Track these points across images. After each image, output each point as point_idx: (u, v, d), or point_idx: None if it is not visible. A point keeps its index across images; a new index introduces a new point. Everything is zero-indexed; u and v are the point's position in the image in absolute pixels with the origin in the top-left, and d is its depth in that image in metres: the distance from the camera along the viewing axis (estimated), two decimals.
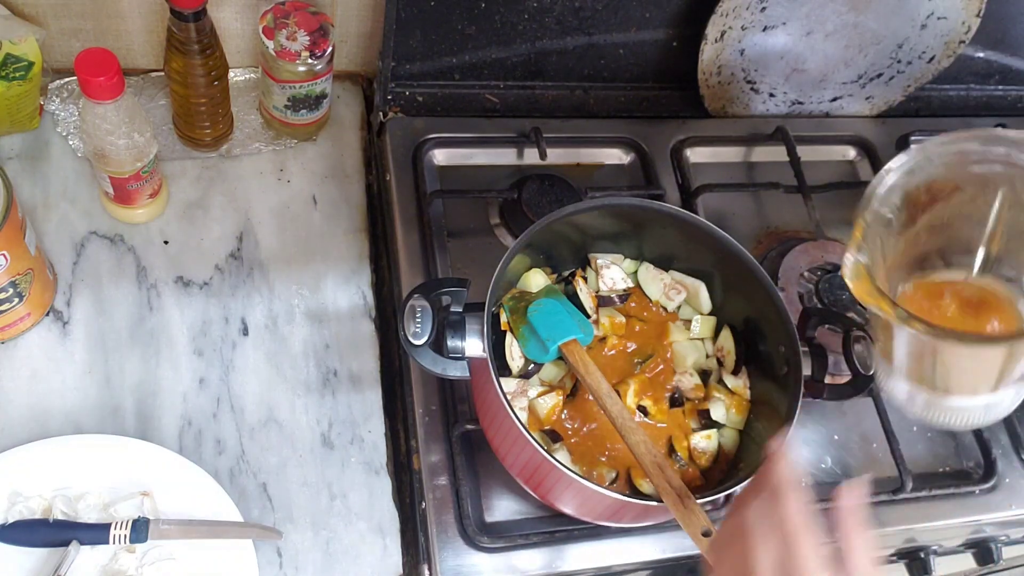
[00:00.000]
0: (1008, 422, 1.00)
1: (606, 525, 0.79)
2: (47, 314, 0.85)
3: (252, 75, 1.02)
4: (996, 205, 0.66)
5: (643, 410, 0.81)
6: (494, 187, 1.00)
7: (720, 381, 0.83)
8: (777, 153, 1.09)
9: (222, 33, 0.89)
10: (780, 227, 1.08)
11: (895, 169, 0.68)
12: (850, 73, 1.14)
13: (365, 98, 1.07)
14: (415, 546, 0.82)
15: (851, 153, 1.18)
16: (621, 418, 0.72)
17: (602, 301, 0.84)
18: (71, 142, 0.94)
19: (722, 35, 1.03)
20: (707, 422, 0.81)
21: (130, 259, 0.90)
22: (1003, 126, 1.20)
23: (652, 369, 0.82)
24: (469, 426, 0.82)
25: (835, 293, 0.97)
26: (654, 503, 0.70)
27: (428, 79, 1.05)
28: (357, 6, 0.98)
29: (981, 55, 1.21)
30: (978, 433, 0.98)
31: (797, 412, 0.73)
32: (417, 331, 0.71)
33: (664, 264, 0.87)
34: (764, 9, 1.02)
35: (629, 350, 0.84)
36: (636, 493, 0.76)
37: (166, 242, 0.91)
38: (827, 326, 0.82)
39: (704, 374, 0.83)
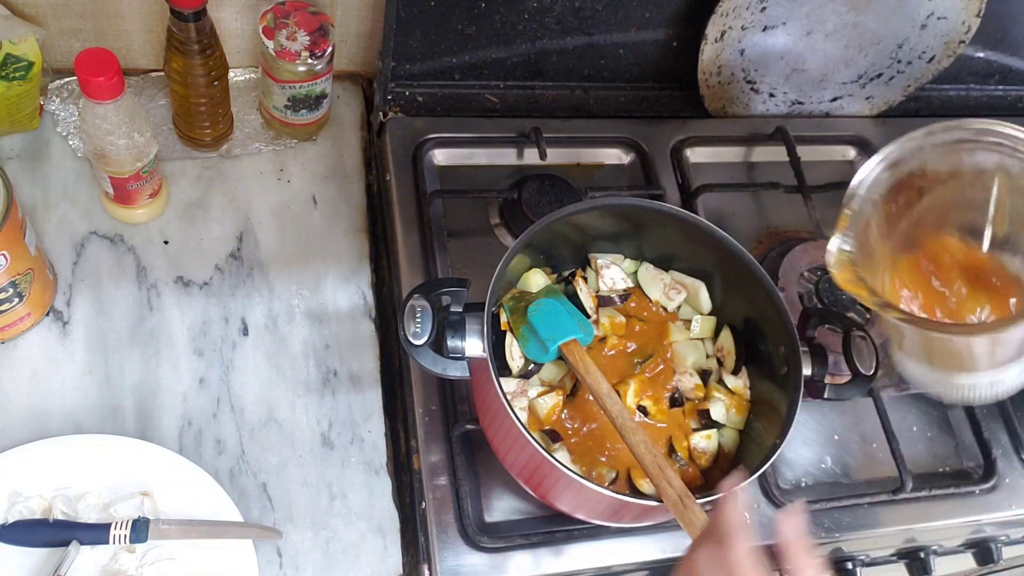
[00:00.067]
0: (1008, 422, 1.00)
1: (606, 525, 0.79)
2: (47, 314, 0.85)
3: (252, 75, 1.02)
4: (995, 190, 0.68)
5: (643, 410, 0.81)
6: (494, 187, 1.00)
7: (720, 381, 0.83)
8: (777, 153, 1.09)
9: (222, 33, 0.89)
10: (780, 227, 1.08)
11: (879, 161, 0.71)
12: (850, 73, 1.14)
13: (365, 98, 1.07)
14: (415, 546, 0.82)
15: (851, 153, 1.18)
16: (621, 418, 0.72)
17: (602, 301, 0.84)
18: (71, 142, 0.94)
19: (722, 35, 1.03)
20: (707, 422, 0.81)
21: (130, 259, 0.90)
22: None
23: (652, 369, 0.82)
24: (469, 426, 0.82)
25: (835, 293, 0.97)
26: (654, 503, 0.69)
27: (428, 79, 1.05)
28: (357, 6, 0.98)
29: (981, 55, 1.21)
30: (978, 433, 0.98)
31: (797, 412, 0.73)
32: (417, 331, 0.71)
33: (664, 264, 0.87)
34: (764, 9, 1.02)
35: (629, 350, 0.84)
36: (636, 493, 0.76)
37: (166, 242, 0.91)
38: (827, 326, 0.82)
39: (704, 374, 0.83)
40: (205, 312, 0.89)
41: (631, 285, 0.86)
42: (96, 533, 0.73)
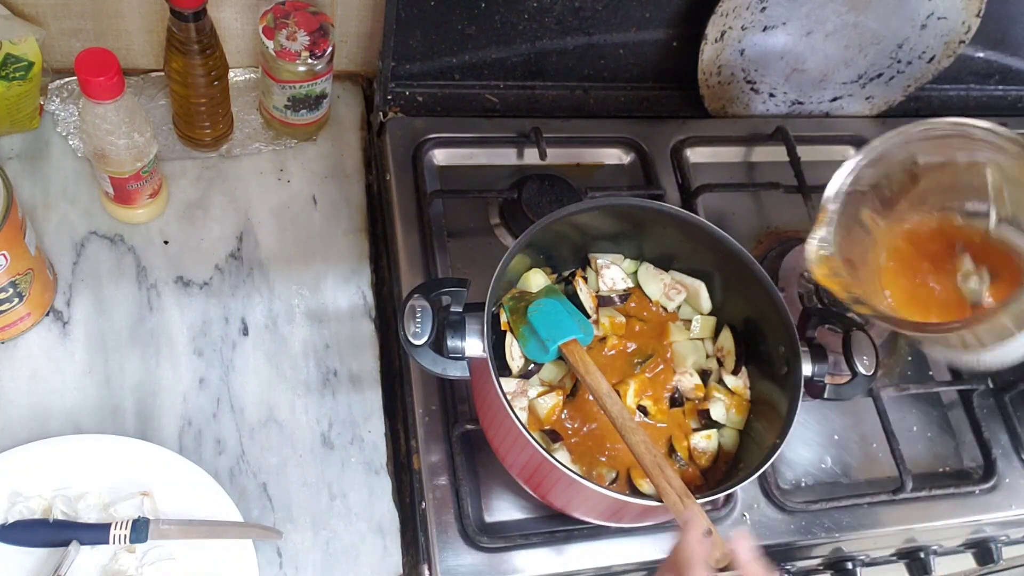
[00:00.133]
0: (1008, 422, 1.00)
1: (606, 525, 0.79)
2: (47, 314, 0.85)
3: (252, 75, 1.02)
4: (989, 178, 0.69)
5: (643, 410, 0.81)
6: (494, 187, 1.00)
7: (720, 381, 0.83)
8: (777, 153, 1.09)
9: (222, 33, 0.89)
10: (780, 227, 1.08)
11: (858, 160, 0.73)
12: (850, 73, 1.14)
13: (365, 98, 1.07)
14: (415, 546, 0.82)
15: (851, 153, 1.17)
16: (621, 418, 0.72)
17: (602, 301, 0.84)
18: (71, 142, 0.94)
19: (722, 35, 1.03)
20: (707, 422, 0.81)
21: (130, 259, 0.90)
22: (1004, 126, 1.19)
23: (652, 369, 0.82)
24: (469, 426, 0.82)
25: None
26: (654, 503, 0.69)
27: (428, 79, 1.05)
28: (357, 6, 0.98)
29: (981, 55, 1.21)
30: (978, 433, 0.98)
31: (797, 412, 0.73)
32: (417, 331, 0.71)
33: (664, 264, 0.87)
34: (764, 9, 1.02)
35: (629, 350, 0.84)
36: (636, 493, 0.76)
37: (166, 242, 0.91)
38: (827, 326, 0.82)
39: (704, 374, 0.83)
40: (205, 312, 0.89)
41: (631, 285, 0.86)
42: (96, 533, 0.73)
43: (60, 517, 0.74)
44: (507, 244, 0.98)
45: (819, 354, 0.77)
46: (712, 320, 0.85)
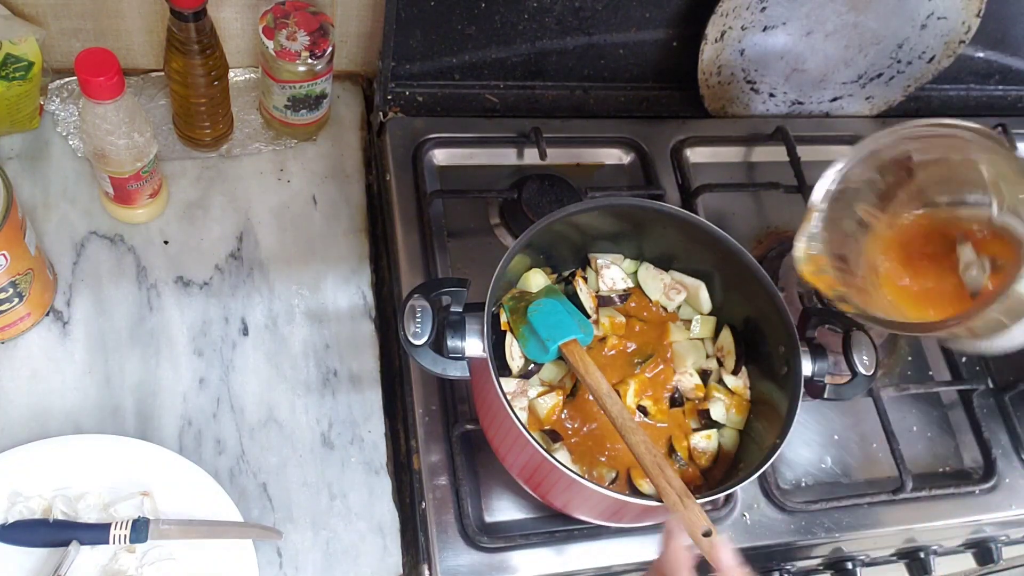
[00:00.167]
0: (1008, 422, 1.00)
1: (606, 525, 0.79)
2: (47, 314, 0.85)
3: (252, 75, 1.02)
4: (985, 174, 0.69)
5: (643, 410, 0.81)
6: (494, 187, 1.00)
7: (720, 381, 0.83)
8: (777, 153, 1.09)
9: (222, 33, 0.89)
10: (780, 227, 1.08)
11: (846, 160, 0.74)
12: (850, 73, 1.14)
13: (365, 98, 1.07)
14: (415, 546, 0.82)
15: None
16: (621, 418, 0.72)
17: (602, 301, 0.84)
18: (71, 142, 0.94)
19: (722, 35, 1.03)
20: (707, 422, 0.81)
21: (130, 259, 0.90)
22: (1003, 126, 1.20)
23: (652, 369, 0.82)
24: (469, 426, 0.82)
25: None
26: (654, 503, 0.69)
27: (428, 79, 1.05)
28: (357, 6, 0.98)
29: (981, 55, 1.21)
30: (978, 433, 0.98)
31: (797, 412, 0.73)
32: (417, 331, 0.71)
33: (664, 264, 0.87)
34: (764, 9, 1.02)
35: (629, 350, 0.84)
36: (636, 493, 0.76)
37: (166, 242, 0.91)
38: (827, 326, 0.82)
39: (704, 374, 0.83)
40: (205, 312, 0.89)
41: (631, 285, 0.86)
42: (96, 533, 0.73)
43: (60, 517, 0.74)
44: (507, 244, 0.98)
45: (819, 354, 0.77)
46: (712, 320, 0.85)
